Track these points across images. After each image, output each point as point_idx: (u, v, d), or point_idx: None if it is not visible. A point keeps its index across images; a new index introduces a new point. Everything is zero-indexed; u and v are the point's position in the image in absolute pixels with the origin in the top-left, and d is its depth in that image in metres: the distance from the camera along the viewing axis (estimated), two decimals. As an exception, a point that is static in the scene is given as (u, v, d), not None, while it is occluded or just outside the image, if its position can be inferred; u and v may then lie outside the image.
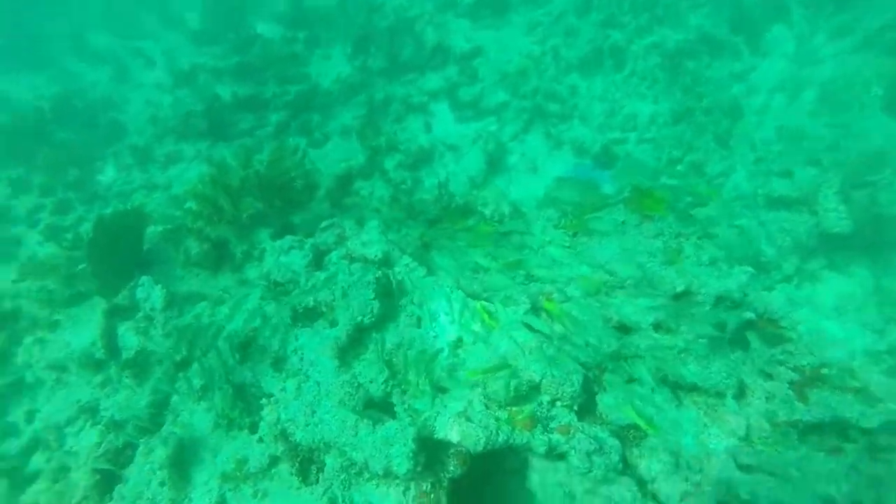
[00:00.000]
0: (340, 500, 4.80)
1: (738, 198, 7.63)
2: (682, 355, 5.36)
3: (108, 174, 10.40)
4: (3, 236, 8.98)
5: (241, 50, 12.42)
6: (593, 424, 5.09)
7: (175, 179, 10.16)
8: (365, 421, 5.07)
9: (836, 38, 9.48)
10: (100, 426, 6.12)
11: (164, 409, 6.22)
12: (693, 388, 5.19)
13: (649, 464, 4.73)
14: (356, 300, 5.71)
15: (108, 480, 5.64)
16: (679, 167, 8.80)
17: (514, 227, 7.59)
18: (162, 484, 5.33)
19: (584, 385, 5.18)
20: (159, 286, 6.60)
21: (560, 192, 8.58)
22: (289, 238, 6.68)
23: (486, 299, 6.13)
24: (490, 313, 5.88)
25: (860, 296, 6.70)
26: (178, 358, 6.34)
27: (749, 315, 5.64)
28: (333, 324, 5.79)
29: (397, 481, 4.67)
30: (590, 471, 4.74)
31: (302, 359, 5.68)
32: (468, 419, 5.04)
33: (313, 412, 5.29)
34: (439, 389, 5.47)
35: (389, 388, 5.45)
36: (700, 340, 5.40)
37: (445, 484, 4.64)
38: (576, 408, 5.14)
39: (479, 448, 4.84)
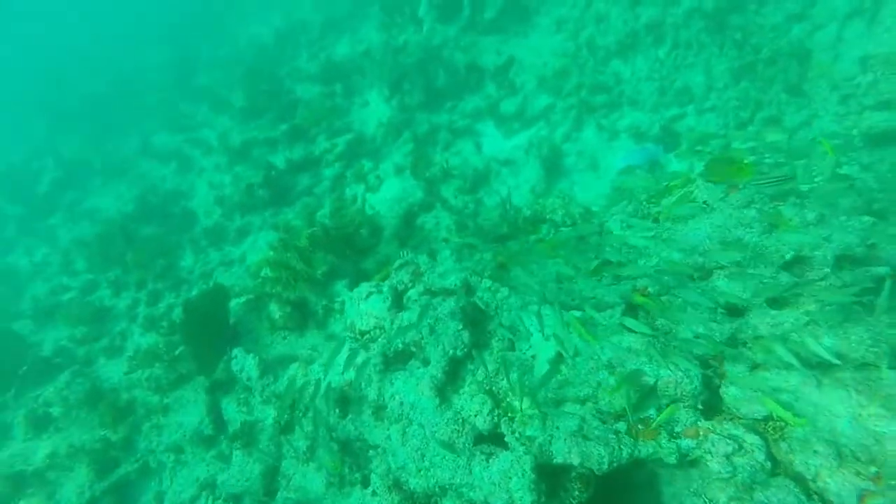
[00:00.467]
0: (468, 546, 4.54)
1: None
2: (811, 328, 4.73)
3: (188, 259, 11.00)
4: (112, 334, 9.62)
5: (285, 116, 12.97)
6: (724, 422, 4.56)
7: (248, 250, 10.57)
8: (477, 457, 4.83)
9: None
10: (219, 502, 6.22)
11: (276, 476, 6.27)
12: (832, 364, 4.54)
13: (805, 458, 4.12)
14: (445, 334, 5.53)
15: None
16: (751, 128, 8.12)
17: (588, 229, 7.22)
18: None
19: (704, 380, 4.68)
20: (251, 355, 6.74)
21: (627, 182, 8.12)
22: (365, 285, 6.65)
23: (576, 308, 5.77)
24: (584, 323, 5.51)
25: None
26: (281, 423, 6.39)
27: (881, 270, 4.93)
28: (426, 362, 5.62)
29: (523, 516, 4.36)
30: (733, 475, 4.22)
31: (401, 403, 5.52)
32: (585, 437, 4.67)
33: (423, 456, 5.11)
34: (548, 411, 5.13)
35: (496, 418, 5.16)
36: (828, 308, 4.76)
37: (573, 511, 4.30)
38: (700, 406, 4.64)
39: (604, 467, 4.46)
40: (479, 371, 5.45)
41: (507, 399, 5.27)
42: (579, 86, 10.20)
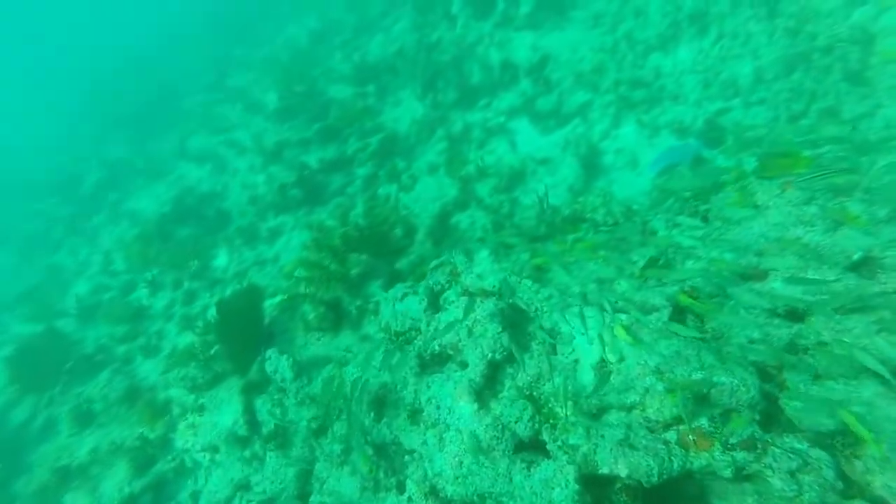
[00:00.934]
0: (509, 559, 4.33)
1: (896, 136, 6.38)
2: (883, 335, 4.35)
3: (222, 259, 11.10)
4: (149, 333, 9.76)
5: (318, 116, 12.99)
6: (785, 435, 4.23)
7: (282, 250, 10.59)
8: (518, 464, 4.62)
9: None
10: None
11: (310, 478, 6.18)
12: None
13: (888, 481, 3.75)
14: (483, 336, 5.33)
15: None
16: (804, 121, 7.65)
17: (631, 228, 6.91)
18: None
19: (761, 389, 4.36)
20: (285, 356, 6.68)
21: (670, 181, 7.75)
22: (400, 285, 6.51)
23: (620, 311, 5.49)
24: (628, 327, 5.23)
25: None
26: (314, 426, 6.30)
27: (963, 272, 4.51)
28: (463, 365, 5.43)
29: (567, 530, 4.13)
30: (799, 493, 3.89)
31: (438, 407, 5.34)
32: (633, 447, 4.40)
33: (461, 463, 4.92)
34: (592, 418, 4.88)
35: (537, 424, 4.93)
36: (903, 315, 4.37)
37: (620, 525, 4.06)
38: (757, 417, 4.31)
39: (654, 479, 4.19)
40: (520, 375, 5.23)
41: (549, 405, 5.04)
42: (618, 81, 9.86)
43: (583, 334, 5.36)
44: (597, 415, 4.84)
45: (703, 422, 4.37)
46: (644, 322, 5.18)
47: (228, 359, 7.48)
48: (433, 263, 6.32)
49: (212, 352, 7.91)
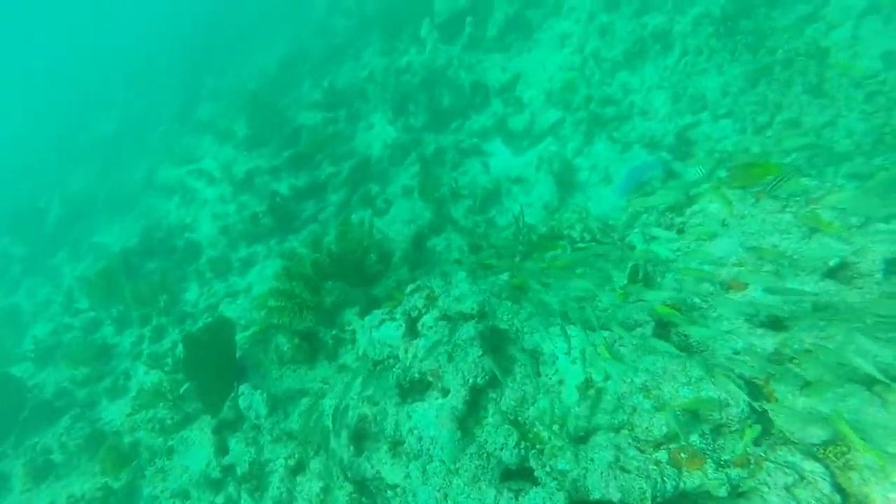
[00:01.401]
0: None
1: (859, 142, 6.52)
2: (864, 341, 4.31)
3: (192, 292, 10.71)
4: (115, 373, 9.27)
5: (288, 143, 12.81)
6: (778, 448, 4.12)
7: (255, 281, 10.27)
8: (505, 494, 4.41)
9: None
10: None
11: (289, 521, 5.84)
12: (896, 379, 4.11)
13: (886, 492, 3.65)
14: (464, 361, 5.14)
15: None
16: (769, 133, 7.79)
17: (608, 244, 6.86)
18: None
19: (750, 403, 4.26)
20: (259, 391, 6.36)
21: (644, 197, 7.77)
22: (377, 312, 6.29)
23: (602, 328, 5.38)
24: (611, 345, 5.12)
25: None
26: (292, 463, 5.98)
27: (937, 274, 4.53)
28: (445, 392, 5.21)
29: (562, 562, 3.92)
30: (798, 510, 3.76)
31: (420, 438, 5.10)
32: (624, 469, 4.24)
33: (446, 496, 4.68)
34: (579, 441, 4.70)
35: (523, 450, 4.72)
36: (883, 320, 4.35)
37: (615, 553, 3.88)
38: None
39: (647, 503, 4.02)
40: (503, 400, 5.04)
41: (535, 429, 4.85)
42: (588, 99, 9.95)
43: (566, 354, 5.21)
44: (584, 437, 4.67)
45: (694, 439, 4.24)
46: (628, 339, 5.07)
47: (199, 397, 7.12)
48: (409, 288, 6.12)
49: (181, 390, 7.53)
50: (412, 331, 5.97)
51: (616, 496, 4.10)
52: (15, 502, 6.93)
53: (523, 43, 11.96)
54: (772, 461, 3.99)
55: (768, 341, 4.67)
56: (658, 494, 4.03)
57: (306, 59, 17.20)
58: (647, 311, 5.33)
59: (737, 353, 4.74)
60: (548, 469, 4.51)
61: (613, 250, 6.69)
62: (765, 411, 4.29)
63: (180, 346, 7.02)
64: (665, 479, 4.10)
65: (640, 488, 4.06)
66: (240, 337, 7.58)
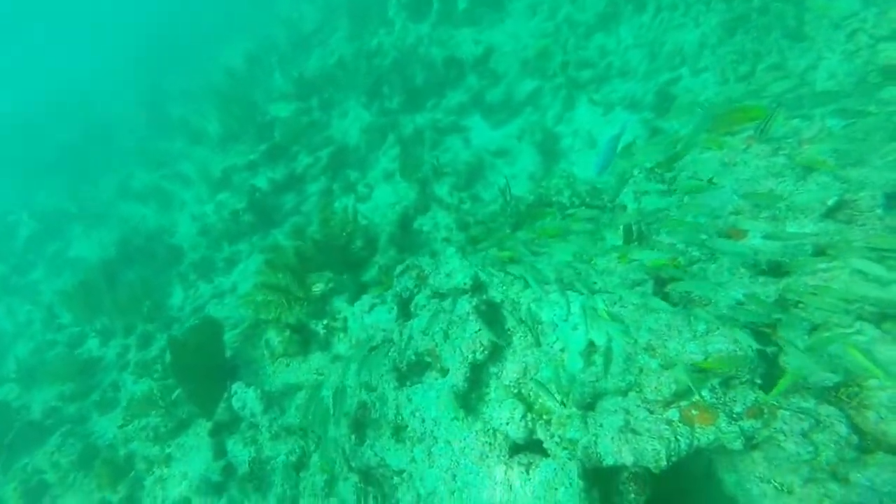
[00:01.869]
0: (520, 574, 3.96)
1: (842, 83, 6.38)
2: (871, 266, 4.17)
3: (177, 296, 10.40)
4: (102, 386, 8.98)
5: (263, 137, 12.44)
6: (790, 396, 4.01)
7: (240, 279, 9.99)
8: (516, 469, 4.27)
9: None
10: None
11: (296, 517, 5.66)
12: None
13: (904, 426, 3.54)
14: (461, 338, 4.96)
15: None
16: (752, 81, 7.63)
17: (597, 206, 6.70)
18: None
19: (759, 351, 4.14)
20: (252, 389, 6.14)
21: (630, 157, 7.58)
22: (367, 297, 6.09)
23: (600, 291, 5.22)
24: (611, 307, 4.97)
25: None
26: (293, 459, 5.79)
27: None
28: (444, 372, 5.04)
29: (578, 531, 3.80)
30: (815, 454, 3.66)
31: (423, 420, 4.93)
32: (635, 432, 4.11)
33: (454, 477, 4.53)
34: (587, 408, 4.56)
35: (530, 423, 4.58)
36: (887, 254, 4.22)
37: (632, 516, 3.76)
38: (758, 381, 4.08)
39: (663, 463, 3.91)
40: (505, 373, 4.88)
41: (540, 400, 4.70)
42: (564, 64, 9.72)
43: (565, 321, 5.06)
44: (592, 403, 4.53)
45: (704, 394, 4.11)
46: (628, 298, 4.92)
47: (192, 401, 6.88)
48: (398, 269, 5.91)
49: (173, 396, 7.28)
50: (405, 312, 5.78)
51: (629, 460, 3.98)
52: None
53: (494, 14, 11.66)
54: (785, 408, 3.87)
55: (771, 288, 4.54)
56: (673, 454, 3.92)
57: (274, 51, 16.73)
58: (645, 270, 5.18)
59: (740, 303, 4.61)
60: (557, 439, 4.38)
61: (604, 212, 6.52)
62: (775, 358, 4.17)
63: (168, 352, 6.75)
64: (678, 437, 3.99)
65: (653, 449, 3.95)
66: (229, 336, 7.33)
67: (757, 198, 4.89)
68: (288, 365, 6.65)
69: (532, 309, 5.18)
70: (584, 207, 6.78)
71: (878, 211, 4.40)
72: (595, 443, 4.17)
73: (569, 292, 5.19)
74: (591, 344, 4.80)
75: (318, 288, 6.55)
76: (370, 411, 5.26)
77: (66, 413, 8.40)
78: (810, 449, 3.64)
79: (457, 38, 11.57)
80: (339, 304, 6.66)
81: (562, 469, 4.09)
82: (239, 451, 6.27)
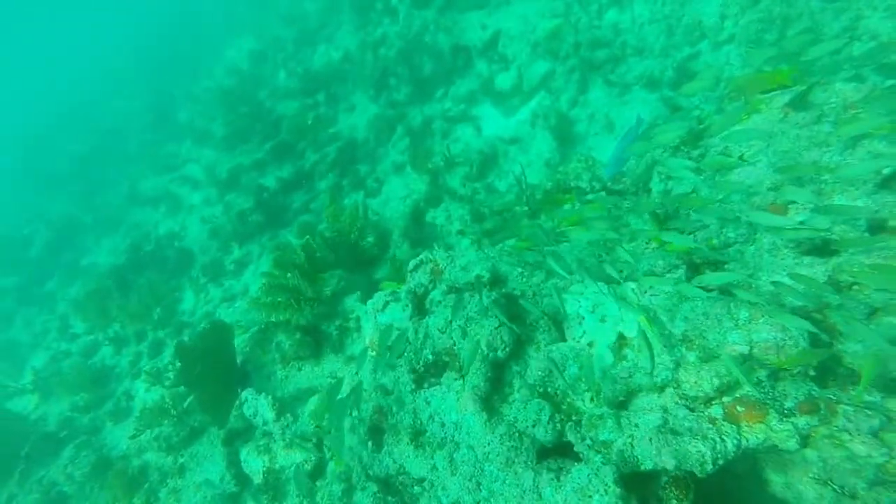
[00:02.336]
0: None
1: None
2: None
3: (188, 301, 10.22)
4: (115, 395, 8.83)
5: (269, 136, 12.20)
6: (851, 388, 3.61)
7: (251, 281, 9.77)
8: (545, 475, 3.92)
9: None
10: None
11: (314, 528, 5.39)
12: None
13: None
14: (480, 335, 4.61)
15: None
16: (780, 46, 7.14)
17: (619, 190, 6.29)
18: None
19: (812, 339, 3.73)
20: (263, 396, 5.87)
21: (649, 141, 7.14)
22: (380, 294, 5.77)
23: (629, 279, 4.83)
24: (641, 295, 4.58)
25: None
26: (309, 467, 5.52)
27: None
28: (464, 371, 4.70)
29: (615, 543, 3.45)
30: (891, 457, 3.25)
31: (443, 424, 4.61)
32: (675, 433, 3.73)
33: (479, 485, 4.21)
34: (620, 406, 4.19)
35: (558, 424, 4.23)
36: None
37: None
38: (812, 372, 3.67)
39: (708, 467, 3.53)
40: (529, 371, 4.53)
41: (568, 399, 4.34)
42: (577, 45, 9.27)
43: (591, 312, 4.68)
44: (625, 401, 4.16)
45: (748, 389, 3.72)
46: (659, 287, 4.53)
47: (204, 409, 6.64)
48: (412, 264, 5.58)
49: (185, 404, 7.07)
50: (420, 309, 5.45)
51: (671, 463, 3.60)
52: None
53: (501, -4, 11.24)
54: (847, 404, 3.47)
55: (818, 269, 4.11)
56: (720, 457, 3.53)
57: (279, 49, 16.47)
58: (677, 255, 4.78)
59: (786, 286, 4.19)
60: (588, 442, 4.01)
61: (627, 195, 6.12)
62: (829, 346, 3.76)
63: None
64: (724, 437, 3.61)
65: (697, 451, 3.56)
66: (239, 340, 7.09)
67: (798, 170, 4.46)
68: (300, 369, 6.38)
69: (555, 301, 4.81)
70: (604, 193, 6.39)
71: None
72: (631, 445, 3.81)
73: (594, 282, 4.81)
74: (622, 337, 4.42)
75: (328, 287, 6.26)
76: (387, 416, 4.95)
77: (80, 424, 8.26)
78: (885, 451, 3.23)
79: (463, 24, 11.16)
80: (352, 303, 6.37)
81: (595, 474, 3.73)
82: (253, 461, 6.02)
